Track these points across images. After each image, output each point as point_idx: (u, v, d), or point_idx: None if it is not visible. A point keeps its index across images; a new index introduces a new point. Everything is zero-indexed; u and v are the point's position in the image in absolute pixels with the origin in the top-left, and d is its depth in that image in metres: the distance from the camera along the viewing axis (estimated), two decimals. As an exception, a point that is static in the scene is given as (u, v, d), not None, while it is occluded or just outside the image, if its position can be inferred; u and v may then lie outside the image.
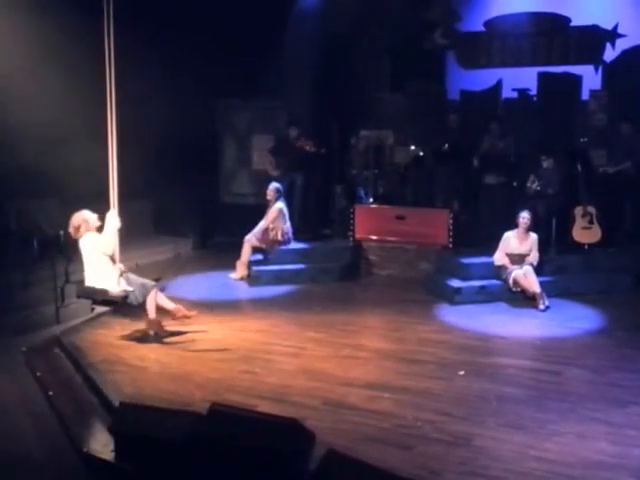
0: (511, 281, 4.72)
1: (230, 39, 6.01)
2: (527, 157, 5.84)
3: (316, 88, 6.58)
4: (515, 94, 6.67)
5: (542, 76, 6.55)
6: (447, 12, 6.79)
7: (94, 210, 3.72)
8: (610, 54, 6.45)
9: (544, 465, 2.41)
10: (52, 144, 4.78)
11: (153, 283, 3.82)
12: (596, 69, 6.49)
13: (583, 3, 6.55)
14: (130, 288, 3.68)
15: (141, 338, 3.84)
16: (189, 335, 3.92)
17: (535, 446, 2.54)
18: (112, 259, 3.68)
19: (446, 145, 6.03)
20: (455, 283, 4.85)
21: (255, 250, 5.61)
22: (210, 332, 4.00)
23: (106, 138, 3.66)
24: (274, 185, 5.66)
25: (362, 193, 6.20)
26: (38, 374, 3.45)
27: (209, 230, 7.05)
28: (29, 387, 3.34)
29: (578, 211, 5.30)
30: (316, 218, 6.46)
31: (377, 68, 6.96)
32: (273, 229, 5.61)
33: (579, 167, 5.36)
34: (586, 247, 5.28)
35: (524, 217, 4.82)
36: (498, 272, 4.87)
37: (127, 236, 6.21)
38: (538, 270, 4.77)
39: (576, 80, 6.44)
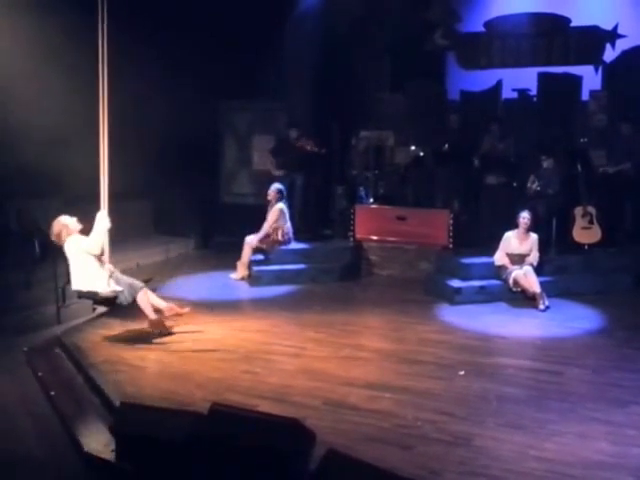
0: (511, 281, 4.72)
1: (230, 39, 6.02)
2: (527, 157, 5.84)
3: (316, 89, 6.59)
4: (515, 94, 6.67)
5: (542, 76, 6.55)
6: (447, 13, 6.80)
7: (95, 210, 3.72)
8: (610, 54, 6.45)
9: (544, 465, 2.41)
10: (53, 144, 4.79)
11: (141, 284, 3.82)
12: (596, 69, 6.50)
13: (583, 4, 6.55)
14: (119, 288, 3.69)
15: (143, 338, 3.84)
16: (190, 335, 3.92)
17: (535, 446, 2.54)
18: (101, 259, 3.68)
19: (446, 145, 6.04)
20: (455, 283, 4.86)
21: (255, 250, 5.62)
22: (211, 332, 4.01)
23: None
24: (276, 186, 5.67)
25: (362, 193, 6.20)
26: (39, 374, 3.46)
27: (209, 230, 7.06)
28: (30, 387, 3.35)
29: (578, 211, 5.30)
30: (316, 218, 6.47)
31: (377, 68, 6.96)
32: (274, 229, 5.62)
33: (579, 167, 5.36)
34: (586, 247, 5.29)
35: (524, 217, 4.82)
36: (498, 272, 4.87)
37: (128, 236, 6.29)
38: (538, 270, 4.77)
39: (576, 80, 6.44)
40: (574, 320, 4.31)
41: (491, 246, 4.97)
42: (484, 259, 5.03)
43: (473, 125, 6.19)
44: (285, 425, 2.15)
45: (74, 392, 3.24)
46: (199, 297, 4.85)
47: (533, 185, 5.40)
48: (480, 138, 5.94)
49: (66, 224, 3.63)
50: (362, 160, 6.38)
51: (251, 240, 5.57)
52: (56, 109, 4.64)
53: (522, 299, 4.69)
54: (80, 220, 3.73)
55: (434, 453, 2.50)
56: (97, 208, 3.71)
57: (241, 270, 5.55)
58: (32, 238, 3.68)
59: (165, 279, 5.50)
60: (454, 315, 4.45)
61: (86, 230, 3.71)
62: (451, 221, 5.59)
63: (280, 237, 5.62)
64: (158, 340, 3.82)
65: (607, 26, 6.44)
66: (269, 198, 5.67)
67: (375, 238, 5.86)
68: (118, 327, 4.03)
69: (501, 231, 4.95)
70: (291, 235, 5.72)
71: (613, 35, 6.42)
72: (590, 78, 6.45)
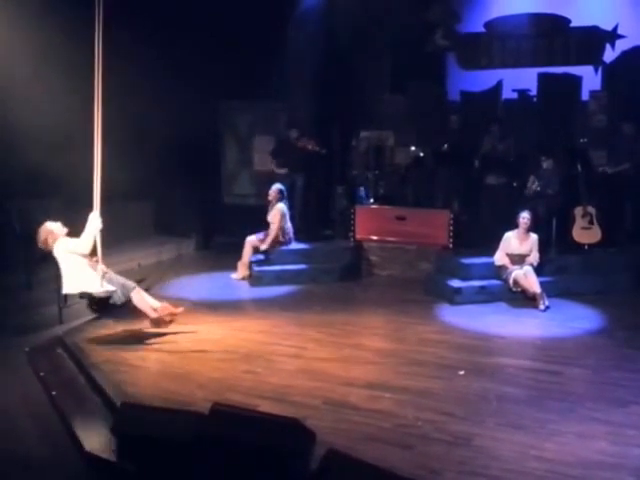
0: (511, 281, 4.73)
1: (231, 40, 6.03)
2: (527, 158, 5.85)
3: (317, 89, 6.60)
4: (515, 95, 6.68)
5: (542, 77, 6.56)
6: (447, 13, 6.81)
7: (103, 211, 3.74)
8: (610, 55, 6.46)
9: (544, 465, 2.41)
10: (54, 145, 4.81)
11: (133, 284, 3.84)
12: (596, 70, 6.50)
13: (583, 4, 6.56)
14: (112, 288, 3.71)
15: (144, 338, 3.85)
16: (191, 335, 3.93)
17: (535, 446, 2.54)
18: (94, 260, 3.69)
19: (445, 145, 6.05)
20: (455, 283, 4.86)
21: (256, 250, 5.63)
22: (211, 332, 4.02)
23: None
24: (277, 186, 5.68)
25: (363, 194, 6.21)
26: (41, 374, 3.47)
27: (210, 231, 7.08)
28: (32, 387, 3.35)
29: (578, 211, 5.31)
30: (317, 219, 6.48)
31: (378, 69, 6.97)
32: (274, 230, 5.63)
33: (579, 167, 5.37)
34: (586, 247, 5.29)
35: (524, 217, 4.83)
36: (498, 272, 4.88)
37: (129, 237, 6.30)
38: (538, 270, 4.77)
39: (576, 81, 6.45)
40: (574, 320, 4.31)
41: (491, 246, 4.98)
42: (484, 259, 5.03)
43: (473, 125, 6.20)
44: (285, 425, 2.15)
45: (75, 392, 3.24)
46: (200, 297, 4.86)
47: (533, 185, 5.40)
48: (480, 139, 5.94)
49: (51, 230, 3.67)
50: (362, 160, 6.39)
51: (251, 238, 5.59)
52: (57, 110, 4.65)
53: (522, 299, 4.69)
54: (79, 220, 3.74)
55: (434, 453, 2.50)
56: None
57: (242, 270, 5.56)
58: (34, 238, 3.69)
59: (166, 279, 5.51)
60: (454, 315, 4.45)
61: (81, 231, 3.73)
62: (451, 221, 5.60)
63: (280, 237, 5.63)
64: (159, 340, 3.83)
65: (607, 26, 6.44)
66: (270, 198, 5.68)
67: (375, 238, 5.87)
68: (119, 327, 4.03)
69: (501, 231, 4.95)
70: (292, 235, 5.73)
71: (613, 35, 6.42)
72: (590, 78, 6.46)
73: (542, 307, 4.52)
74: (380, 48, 6.86)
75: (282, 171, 6.14)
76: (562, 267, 5.12)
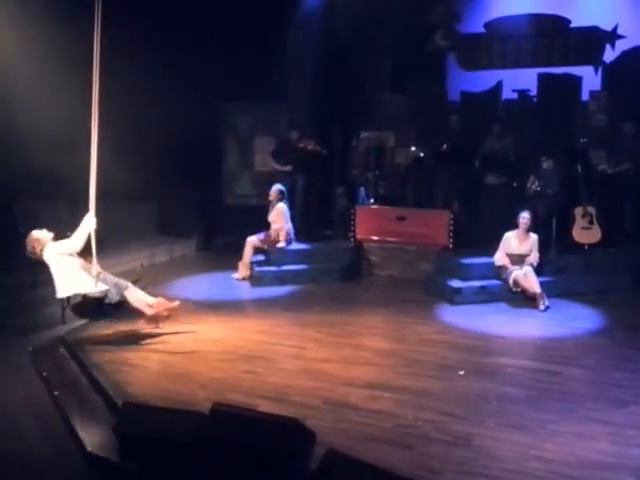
0: (511, 281, 4.73)
1: (232, 41, 6.04)
2: (527, 158, 5.85)
3: (317, 90, 6.61)
4: (515, 95, 6.69)
5: (542, 77, 6.57)
6: (448, 14, 6.81)
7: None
8: (610, 55, 6.46)
9: (544, 465, 2.41)
10: (58, 146, 4.82)
11: (126, 283, 3.86)
12: (596, 70, 6.50)
13: (583, 4, 6.56)
14: (106, 287, 3.73)
15: (146, 339, 3.86)
16: (192, 335, 3.94)
17: (535, 446, 2.55)
18: (88, 260, 3.71)
19: (445, 145, 6.06)
20: (455, 283, 4.87)
21: (257, 251, 5.64)
22: (212, 332, 4.03)
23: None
24: (277, 187, 5.70)
25: (363, 194, 6.22)
26: (44, 374, 3.48)
27: (212, 231, 7.09)
28: (35, 387, 3.37)
29: (578, 211, 5.31)
30: (317, 219, 6.49)
31: (378, 69, 6.98)
32: (275, 230, 5.64)
33: (579, 167, 5.37)
34: (586, 247, 5.30)
35: (524, 217, 4.84)
36: (498, 272, 4.88)
37: (131, 237, 6.31)
38: (538, 270, 4.78)
39: (576, 81, 6.45)
40: (574, 320, 4.31)
41: (491, 246, 4.98)
42: (484, 259, 5.04)
43: (473, 126, 6.21)
44: (286, 425, 2.16)
45: (78, 392, 3.26)
46: (201, 297, 4.88)
47: (533, 185, 5.41)
48: (481, 139, 5.95)
49: (37, 238, 3.70)
50: (363, 161, 6.40)
51: (252, 239, 5.61)
52: (61, 111, 4.66)
53: (522, 299, 4.69)
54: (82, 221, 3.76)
55: (434, 453, 2.51)
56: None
57: (243, 270, 5.58)
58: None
59: (167, 279, 5.52)
60: (454, 315, 4.46)
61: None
62: (451, 221, 5.60)
63: (281, 238, 5.64)
64: (160, 340, 3.85)
65: (607, 27, 6.44)
66: (270, 198, 5.69)
67: (375, 238, 5.88)
68: (121, 327, 4.05)
69: (501, 231, 4.96)
70: (292, 236, 5.74)
71: (613, 36, 6.42)
72: (590, 78, 6.46)
73: (542, 307, 4.53)
74: (380, 48, 6.87)
75: (286, 168, 6.13)
76: (562, 267, 5.12)
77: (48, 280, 4.01)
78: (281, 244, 5.59)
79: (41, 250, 3.67)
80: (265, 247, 5.67)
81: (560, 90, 6.45)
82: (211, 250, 6.94)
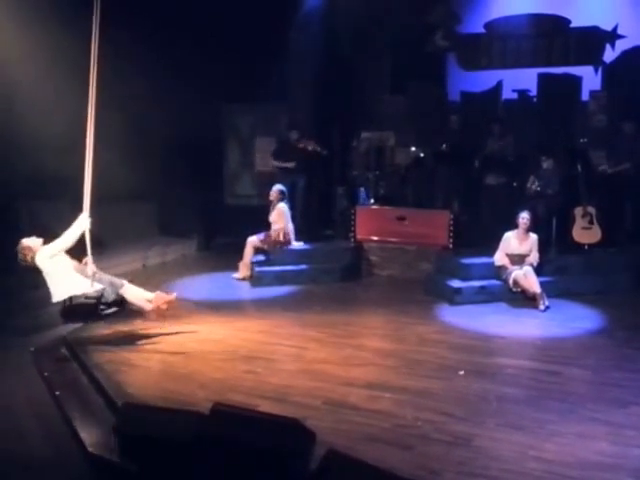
0: (511, 281, 4.74)
1: (232, 42, 6.05)
2: (527, 158, 5.86)
3: (317, 90, 6.61)
4: (515, 95, 6.68)
5: (542, 77, 6.57)
6: (448, 14, 6.81)
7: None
8: (610, 55, 6.46)
9: (544, 465, 2.41)
10: (61, 147, 4.82)
11: (122, 281, 3.88)
12: (596, 70, 6.50)
13: (583, 4, 6.55)
14: (101, 286, 3.75)
15: (146, 339, 3.87)
16: (192, 335, 3.95)
17: (535, 446, 2.55)
18: (84, 261, 3.72)
19: (444, 145, 6.06)
20: (455, 283, 4.87)
21: (257, 251, 5.65)
22: (213, 332, 4.04)
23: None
24: (277, 187, 5.71)
25: (363, 194, 6.23)
26: (45, 374, 3.49)
27: (212, 231, 7.10)
28: (36, 387, 3.37)
29: (578, 211, 5.31)
30: (318, 219, 6.49)
31: (378, 70, 6.98)
32: (275, 230, 5.65)
33: (579, 167, 5.37)
34: (586, 247, 5.30)
35: (524, 217, 4.84)
36: (498, 272, 4.88)
37: (132, 237, 6.31)
38: (538, 270, 4.78)
39: (576, 81, 6.45)
40: (574, 320, 4.32)
41: (491, 246, 4.99)
42: (484, 259, 5.04)
43: (473, 126, 6.21)
44: (286, 425, 2.16)
45: (79, 392, 3.26)
46: (202, 297, 4.89)
47: (533, 185, 5.41)
48: (482, 139, 5.95)
49: (27, 245, 3.71)
50: (363, 161, 6.40)
51: (252, 239, 5.62)
52: (65, 112, 4.66)
53: (522, 299, 4.70)
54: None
55: (434, 453, 2.51)
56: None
57: (243, 270, 5.59)
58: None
59: (169, 279, 5.53)
60: (454, 315, 4.46)
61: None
62: (451, 221, 5.60)
63: (281, 238, 5.65)
64: (161, 340, 3.85)
65: (607, 27, 6.44)
66: (271, 199, 5.70)
67: (376, 239, 5.89)
68: (122, 328, 4.05)
69: (501, 231, 4.96)
70: (293, 236, 5.74)
71: (613, 35, 6.42)
72: (590, 78, 6.46)
73: (542, 307, 4.53)
74: (380, 49, 6.87)
75: (288, 164, 6.11)
76: (562, 267, 5.13)
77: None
78: (296, 244, 5.60)
79: (32, 257, 3.69)
80: (265, 247, 5.67)
81: (560, 90, 6.45)
82: (212, 250, 6.95)
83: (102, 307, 3.83)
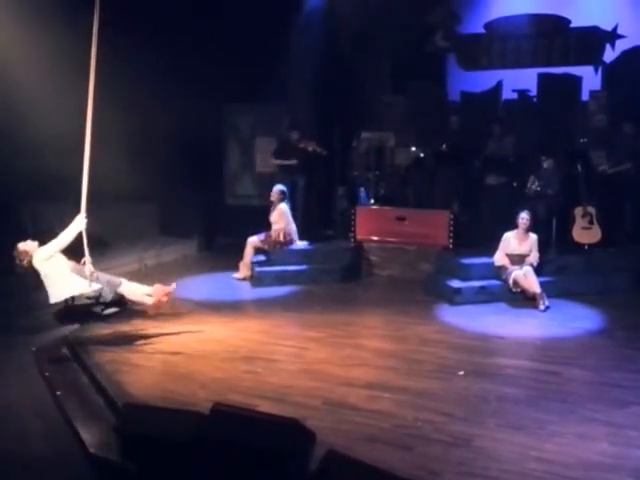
0: (511, 281, 4.74)
1: (233, 43, 6.06)
2: (527, 158, 5.86)
3: (318, 91, 6.62)
4: (515, 95, 6.69)
5: (542, 77, 6.57)
6: (448, 15, 6.81)
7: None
8: (610, 55, 6.46)
9: (544, 466, 2.41)
10: (65, 148, 4.82)
11: (119, 279, 3.89)
12: (596, 70, 6.50)
13: (583, 4, 6.55)
14: (99, 286, 3.76)
15: (147, 339, 3.87)
16: (193, 335, 3.96)
17: (535, 447, 2.55)
18: (82, 261, 3.73)
19: (444, 145, 6.06)
20: (455, 283, 4.87)
21: (257, 251, 5.65)
22: (214, 332, 4.04)
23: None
24: (278, 187, 5.71)
25: (363, 194, 6.23)
26: (46, 374, 3.49)
27: (213, 232, 7.11)
28: (37, 387, 3.38)
29: (578, 211, 5.31)
30: (318, 219, 6.50)
31: (378, 70, 6.99)
32: (276, 230, 5.65)
33: (579, 167, 5.37)
34: (586, 247, 5.30)
35: (523, 217, 4.84)
36: (498, 272, 4.88)
37: (133, 238, 6.32)
38: (538, 270, 4.78)
39: (576, 81, 6.45)
40: (574, 320, 4.32)
41: (491, 246, 4.99)
42: (484, 259, 5.04)
43: (473, 126, 6.21)
44: (285, 425, 2.17)
45: (80, 392, 3.27)
46: (202, 297, 4.89)
47: (533, 185, 5.41)
48: (482, 139, 5.95)
49: (24, 249, 3.73)
50: (363, 161, 6.41)
51: (253, 239, 5.62)
52: (69, 114, 4.66)
53: (522, 299, 4.70)
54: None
55: (434, 454, 2.51)
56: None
57: (243, 270, 5.59)
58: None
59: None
60: (454, 315, 4.46)
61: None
62: (451, 222, 5.61)
63: (281, 238, 5.65)
64: (162, 340, 3.86)
65: (607, 26, 6.44)
66: (272, 199, 5.70)
67: (376, 239, 5.89)
68: (123, 328, 4.06)
69: (501, 231, 4.96)
70: (293, 236, 5.74)
71: (613, 35, 6.42)
72: (590, 78, 6.46)
73: (542, 307, 4.53)
74: (380, 49, 6.87)
75: (290, 162, 6.10)
76: (562, 267, 5.13)
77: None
78: (300, 243, 5.61)
79: (29, 261, 3.70)
80: (266, 247, 5.68)
81: (560, 90, 6.45)
82: (212, 250, 6.95)
83: (101, 307, 3.84)
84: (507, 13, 6.71)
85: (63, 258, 3.76)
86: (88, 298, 3.80)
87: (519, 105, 6.65)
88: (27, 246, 3.73)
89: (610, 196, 5.56)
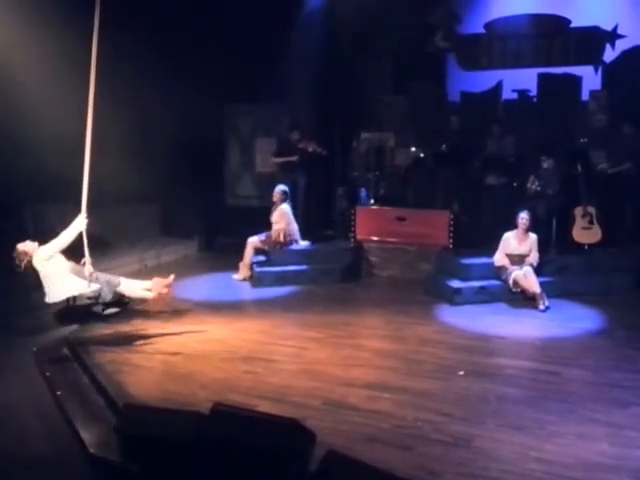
0: (511, 281, 4.74)
1: (233, 43, 6.06)
2: (527, 158, 5.85)
3: (318, 91, 6.62)
4: (515, 95, 6.68)
5: (542, 77, 6.57)
6: (448, 15, 6.81)
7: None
8: (610, 55, 6.46)
9: (544, 466, 2.41)
10: (66, 149, 4.83)
11: (118, 280, 3.90)
12: (596, 70, 6.50)
13: (583, 4, 6.55)
14: (98, 286, 3.77)
15: (148, 339, 3.87)
16: (193, 336, 3.96)
17: (535, 447, 2.55)
18: (82, 262, 3.74)
19: (444, 145, 6.06)
20: (455, 284, 4.87)
21: (257, 251, 5.65)
22: (214, 332, 4.05)
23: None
24: (281, 187, 5.72)
25: (363, 194, 6.23)
26: (47, 374, 3.50)
27: (213, 232, 7.11)
28: (38, 387, 3.38)
29: (578, 211, 5.31)
30: (318, 219, 6.50)
31: (378, 70, 6.99)
32: (276, 230, 5.66)
33: (579, 167, 5.37)
34: (586, 247, 5.30)
35: (523, 218, 4.84)
36: (498, 273, 4.88)
37: (134, 238, 6.32)
38: (538, 270, 4.78)
39: (576, 81, 6.45)
40: (574, 320, 4.31)
41: (491, 246, 4.99)
42: (484, 259, 5.04)
43: (473, 126, 6.20)
44: (285, 425, 2.17)
45: (80, 392, 3.27)
46: (202, 298, 4.90)
47: (533, 185, 5.41)
48: (482, 140, 5.95)
49: (24, 250, 3.73)
50: (363, 161, 6.41)
51: (253, 239, 5.62)
52: (70, 114, 4.67)
53: (522, 299, 4.70)
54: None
55: (434, 454, 2.52)
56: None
57: (243, 271, 5.59)
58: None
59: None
60: (454, 315, 4.46)
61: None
62: (451, 222, 5.61)
63: (281, 238, 5.65)
64: (162, 341, 3.86)
65: (607, 26, 6.44)
66: (274, 199, 5.71)
67: (376, 239, 5.89)
68: (124, 328, 4.06)
69: (501, 231, 4.96)
70: (295, 236, 5.74)
71: (613, 35, 6.42)
72: (590, 78, 6.46)
73: (542, 307, 4.53)
74: (380, 49, 6.87)
75: (291, 159, 6.09)
76: (562, 267, 5.12)
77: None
78: (303, 243, 5.63)
79: (29, 261, 3.71)
80: (266, 248, 5.68)
81: (560, 90, 6.44)
82: (213, 251, 6.96)
83: (101, 307, 3.84)
84: (507, 13, 6.71)
85: (63, 259, 3.76)
86: (88, 298, 3.81)
87: (519, 105, 6.65)
88: (26, 246, 3.74)
89: (610, 196, 5.56)
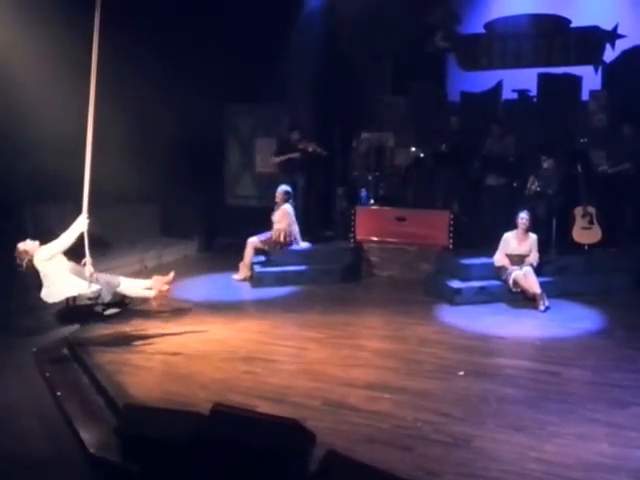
0: (511, 282, 4.74)
1: (233, 43, 6.06)
2: (527, 158, 5.85)
3: (318, 91, 6.62)
4: (515, 95, 6.69)
5: (542, 77, 6.57)
6: (447, 15, 6.81)
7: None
8: (610, 54, 6.46)
9: (544, 466, 2.42)
10: (66, 149, 4.83)
11: (118, 280, 3.90)
12: (596, 70, 6.50)
13: (583, 4, 6.56)
14: (98, 287, 3.77)
15: (148, 339, 3.87)
16: (193, 336, 3.96)
17: (535, 447, 2.55)
18: (82, 262, 3.75)
19: (444, 146, 6.06)
20: (455, 284, 4.87)
21: (258, 251, 5.65)
22: (214, 333, 4.05)
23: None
24: (283, 188, 5.71)
25: (363, 195, 6.23)
26: (47, 374, 3.50)
27: (213, 232, 7.12)
28: (38, 387, 3.38)
29: (578, 211, 5.31)
30: (318, 220, 6.50)
31: (378, 71, 6.99)
32: (276, 230, 5.66)
33: (579, 167, 5.37)
34: (586, 247, 5.30)
35: (522, 218, 4.84)
36: (498, 273, 4.88)
37: (135, 238, 6.32)
38: (538, 270, 4.78)
39: (576, 81, 6.45)
40: (574, 320, 4.32)
41: (491, 247, 4.99)
42: (484, 260, 5.04)
43: (473, 126, 6.20)
44: (285, 426, 2.17)
45: (80, 393, 3.27)
46: (202, 298, 4.90)
47: (533, 185, 5.41)
48: (482, 140, 5.95)
49: (24, 249, 3.74)
50: (363, 161, 6.41)
51: (253, 239, 5.62)
52: (70, 115, 4.67)
53: (522, 300, 4.70)
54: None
55: (433, 454, 2.52)
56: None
57: (243, 271, 5.59)
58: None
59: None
60: (454, 316, 4.46)
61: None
62: (451, 222, 5.61)
63: (282, 239, 5.65)
64: (162, 341, 3.86)
65: (607, 26, 6.44)
66: (276, 200, 5.70)
67: (376, 239, 5.89)
68: (124, 328, 4.06)
69: (501, 232, 4.97)
70: (295, 237, 5.73)
71: (613, 35, 6.42)
72: (590, 78, 6.46)
73: (542, 307, 4.53)
74: (380, 49, 6.87)
75: (292, 156, 6.08)
76: (562, 267, 5.12)
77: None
78: (303, 244, 5.63)
79: (30, 260, 3.71)
80: (266, 248, 5.68)
81: (560, 90, 6.44)
82: (213, 251, 6.96)
83: (102, 308, 3.85)
84: (507, 13, 6.71)
85: (63, 259, 3.77)
86: (89, 299, 3.81)
87: (519, 105, 6.65)
88: (27, 246, 3.75)
89: (610, 196, 5.56)
